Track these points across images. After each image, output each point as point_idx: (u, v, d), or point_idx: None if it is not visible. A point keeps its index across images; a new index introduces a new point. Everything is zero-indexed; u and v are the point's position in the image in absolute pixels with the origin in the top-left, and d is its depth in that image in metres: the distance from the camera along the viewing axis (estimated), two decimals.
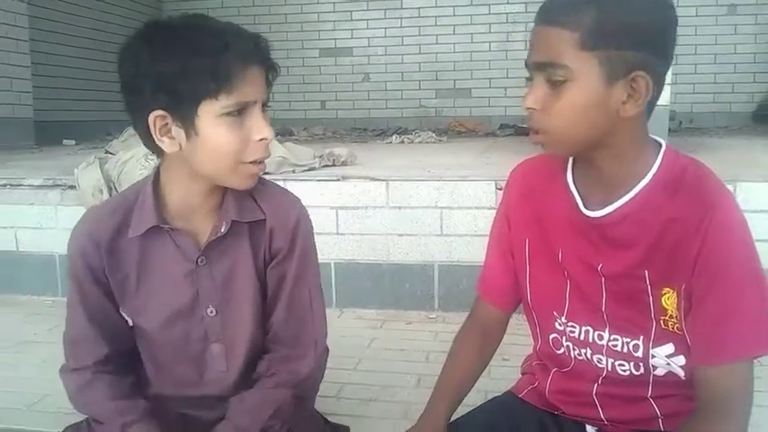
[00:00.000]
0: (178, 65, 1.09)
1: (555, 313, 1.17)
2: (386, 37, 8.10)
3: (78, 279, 1.26)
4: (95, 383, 1.25)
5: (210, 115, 1.12)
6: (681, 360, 1.07)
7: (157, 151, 1.20)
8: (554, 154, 1.12)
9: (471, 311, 1.35)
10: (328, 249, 2.86)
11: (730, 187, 2.51)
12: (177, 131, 1.14)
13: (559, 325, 1.18)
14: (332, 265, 2.88)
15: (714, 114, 7.26)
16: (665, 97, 3.14)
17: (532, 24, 1.04)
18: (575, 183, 1.13)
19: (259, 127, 1.16)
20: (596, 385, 1.16)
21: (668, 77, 3.50)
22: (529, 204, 1.21)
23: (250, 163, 1.18)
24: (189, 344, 1.29)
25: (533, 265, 1.21)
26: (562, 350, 1.19)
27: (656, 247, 1.04)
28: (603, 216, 1.07)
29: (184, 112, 1.12)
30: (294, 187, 2.88)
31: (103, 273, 1.25)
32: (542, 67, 1.00)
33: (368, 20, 8.14)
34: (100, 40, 6.90)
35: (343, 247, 2.88)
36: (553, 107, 1.00)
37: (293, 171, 3.02)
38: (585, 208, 1.10)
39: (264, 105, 1.20)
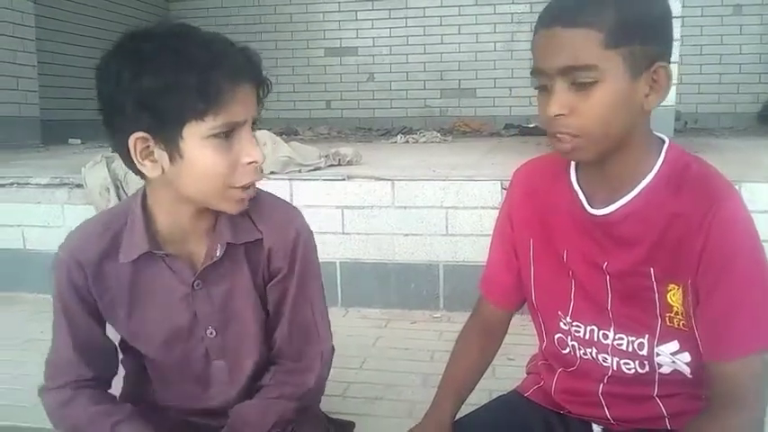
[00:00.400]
0: (162, 81, 1.01)
1: (560, 313, 1.17)
2: (391, 37, 8.10)
3: (64, 301, 1.21)
4: (77, 398, 1.21)
5: (196, 137, 1.04)
6: (686, 357, 1.08)
7: (140, 173, 1.12)
8: (580, 159, 1.09)
9: (474, 310, 1.35)
10: (333, 249, 2.88)
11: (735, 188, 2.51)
12: (160, 154, 1.07)
13: (564, 324, 1.18)
14: (337, 264, 2.89)
15: (719, 115, 7.25)
16: (670, 97, 3.16)
17: (534, 29, 1.02)
18: (578, 182, 1.12)
19: (248, 149, 1.08)
20: (602, 385, 1.16)
21: (673, 78, 3.50)
22: (533, 204, 1.21)
23: (239, 188, 1.10)
24: (190, 363, 1.26)
25: (537, 266, 1.21)
26: (567, 349, 1.19)
27: (660, 243, 1.04)
28: (608, 214, 1.07)
29: (168, 134, 1.04)
30: (299, 187, 2.91)
31: (90, 294, 1.20)
32: (567, 71, 0.97)
33: (373, 19, 8.15)
34: (106, 39, 6.79)
35: (349, 246, 2.89)
36: (582, 109, 0.98)
37: (299, 170, 3.03)
38: (590, 206, 1.10)
39: (255, 123, 1.12)
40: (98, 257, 1.18)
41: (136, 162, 1.07)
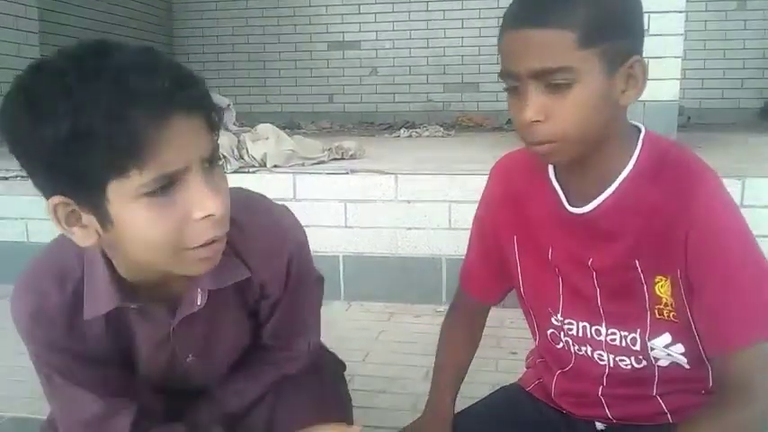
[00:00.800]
0: (63, 132, 0.76)
1: (550, 310, 1.16)
2: (394, 30, 8.08)
3: (49, 363, 1.05)
4: None
5: (124, 198, 0.81)
6: (680, 348, 1.06)
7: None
8: (558, 162, 1.07)
9: (455, 302, 1.36)
10: (336, 242, 2.88)
11: (738, 183, 2.50)
12: (89, 219, 0.86)
13: (556, 321, 1.17)
14: (340, 258, 2.90)
15: (723, 110, 7.23)
16: (673, 92, 3.15)
17: (500, 29, 0.97)
18: (557, 178, 1.10)
19: (200, 201, 0.84)
20: (601, 387, 1.15)
21: (677, 72, 3.48)
22: (512, 201, 1.18)
23: (197, 248, 0.88)
24: (167, 375, 1.18)
25: (524, 262, 1.19)
26: (561, 344, 1.18)
27: (643, 234, 1.02)
28: (589, 212, 1.05)
29: (89, 198, 0.83)
30: (303, 180, 2.92)
31: (68, 343, 1.04)
32: (542, 75, 0.93)
33: (376, 13, 8.13)
34: (110, 33, 6.92)
35: (352, 240, 2.89)
36: (559, 113, 0.94)
37: (302, 164, 3.04)
38: (570, 204, 1.07)
39: (212, 160, 0.88)
40: (64, 315, 1.02)
41: (63, 230, 0.88)
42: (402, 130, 5.90)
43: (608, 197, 1.03)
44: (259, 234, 1.08)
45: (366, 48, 8.20)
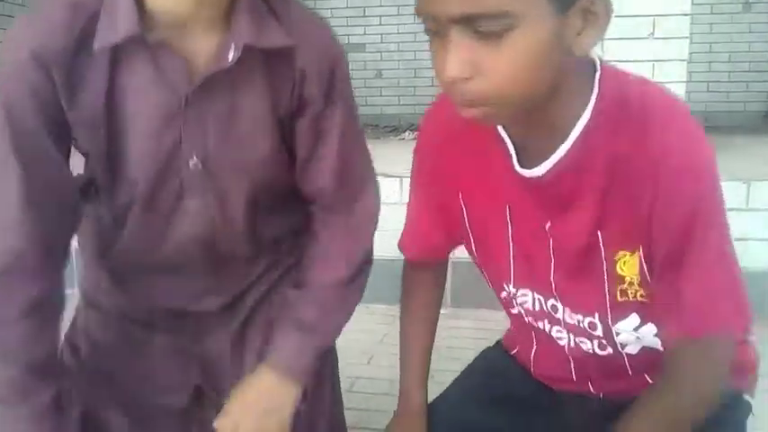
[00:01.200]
0: None
1: (501, 277, 1.05)
2: (399, 33, 8.08)
3: (16, 120, 0.86)
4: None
5: None
6: (651, 329, 0.93)
7: None
8: (494, 124, 0.89)
9: (407, 286, 1.28)
10: None
11: (744, 186, 2.51)
12: None
13: (505, 291, 1.05)
14: None
15: (728, 113, 7.21)
16: (678, 95, 3.14)
17: None
18: (506, 129, 0.91)
19: None
20: (574, 372, 1.06)
21: (683, 75, 3.47)
22: (454, 152, 1.00)
23: None
24: (158, 195, 0.98)
25: (473, 222, 1.05)
26: (516, 310, 1.07)
27: (605, 198, 0.86)
28: (543, 175, 0.87)
29: None
30: None
31: (56, 102, 0.89)
32: (469, 21, 0.72)
33: (380, 16, 8.13)
34: None
35: None
36: (492, 67, 0.73)
37: None
38: (524, 162, 0.89)
39: None
40: (68, 53, 0.87)
41: None
42: (407, 133, 5.92)
43: (563, 156, 0.85)
44: (305, 14, 0.98)
45: (371, 51, 8.20)
